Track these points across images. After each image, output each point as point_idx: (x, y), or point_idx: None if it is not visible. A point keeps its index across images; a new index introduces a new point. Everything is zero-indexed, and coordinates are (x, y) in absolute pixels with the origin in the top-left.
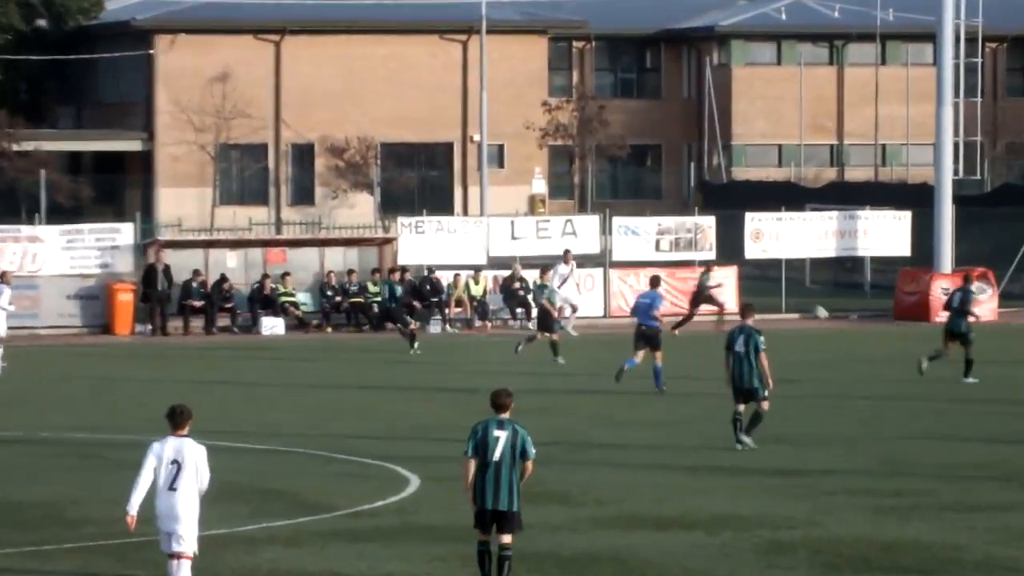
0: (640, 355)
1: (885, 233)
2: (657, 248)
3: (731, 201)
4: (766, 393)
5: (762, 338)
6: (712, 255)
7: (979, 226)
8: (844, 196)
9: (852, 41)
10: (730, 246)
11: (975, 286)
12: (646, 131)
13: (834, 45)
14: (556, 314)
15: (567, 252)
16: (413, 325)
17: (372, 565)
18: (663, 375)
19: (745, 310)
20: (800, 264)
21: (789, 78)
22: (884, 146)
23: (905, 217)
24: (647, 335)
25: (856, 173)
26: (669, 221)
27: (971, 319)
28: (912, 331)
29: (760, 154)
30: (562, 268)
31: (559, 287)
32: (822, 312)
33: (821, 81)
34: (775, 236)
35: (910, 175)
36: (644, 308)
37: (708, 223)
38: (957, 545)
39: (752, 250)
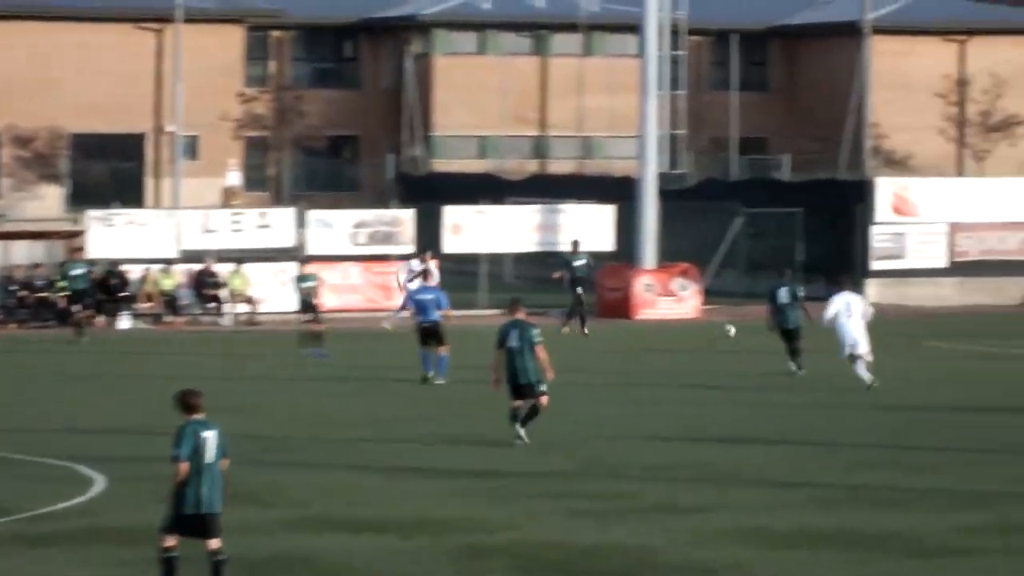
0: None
1: (588, 227)
2: (354, 242)
3: (431, 194)
4: (544, 388)
5: (536, 331)
6: (410, 249)
7: (683, 221)
8: (547, 189)
9: (556, 31)
10: (429, 240)
11: (677, 282)
12: (344, 122)
13: (538, 35)
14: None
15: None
16: (84, 315)
17: (51, 571)
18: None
19: (514, 305)
20: (501, 259)
21: (492, 68)
22: (588, 138)
23: (608, 211)
24: (431, 330)
25: (559, 166)
26: (367, 214)
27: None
28: (614, 328)
29: (461, 146)
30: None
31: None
32: (731, 330)
33: (524, 72)
34: (475, 230)
35: (613, 168)
36: (428, 304)
37: (407, 216)
38: (655, 548)
39: (452, 244)
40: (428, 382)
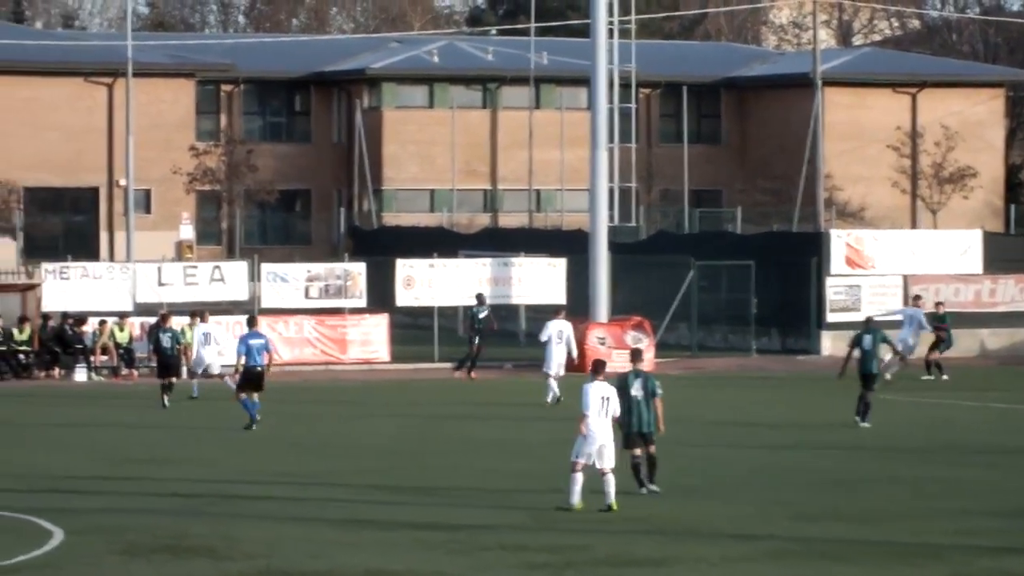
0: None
1: (539, 280)
2: (307, 295)
3: (382, 247)
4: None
5: (658, 383)
6: (363, 302)
7: (635, 274)
8: (498, 242)
9: (506, 84)
10: (381, 293)
11: (631, 336)
12: (296, 176)
13: (488, 88)
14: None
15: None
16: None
17: None
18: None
19: (635, 356)
20: (453, 312)
21: (442, 121)
22: (539, 191)
23: (560, 264)
24: (258, 375)
25: (510, 219)
26: (319, 268)
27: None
28: (567, 381)
29: (412, 199)
30: None
31: None
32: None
33: (474, 124)
34: (427, 283)
35: (565, 221)
36: (257, 348)
37: (358, 269)
38: None
39: (404, 297)
40: (251, 427)
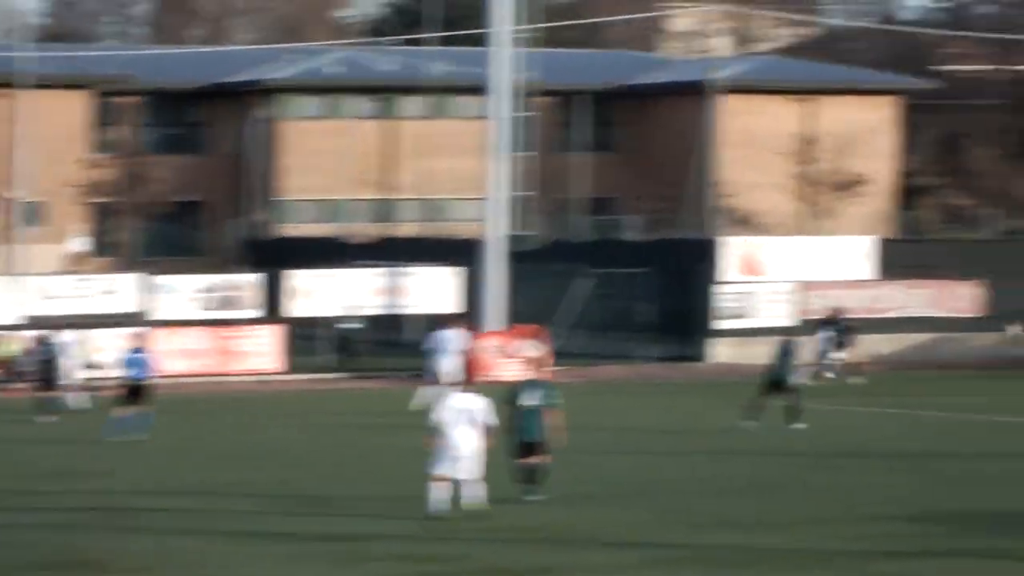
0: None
1: (434, 290)
2: (200, 306)
3: (278, 258)
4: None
5: (557, 392)
6: (257, 314)
7: (531, 283)
8: (393, 252)
9: (403, 94)
10: (275, 304)
11: (527, 345)
12: (191, 187)
13: (384, 98)
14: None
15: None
16: None
17: None
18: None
19: (532, 365)
20: (347, 322)
21: (338, 132)
22: (435, 200)
23: (455, 273)
24: (138, 390)
25: (406, 229)
26: (212, 279)
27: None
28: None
29: (308, 210)
30: None
31: None
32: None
33: (370, 135)
34: (321, 294)
35: (460, 230)
36: (140, 362)
37: (253, 281)
38: None
39: (297, 308)
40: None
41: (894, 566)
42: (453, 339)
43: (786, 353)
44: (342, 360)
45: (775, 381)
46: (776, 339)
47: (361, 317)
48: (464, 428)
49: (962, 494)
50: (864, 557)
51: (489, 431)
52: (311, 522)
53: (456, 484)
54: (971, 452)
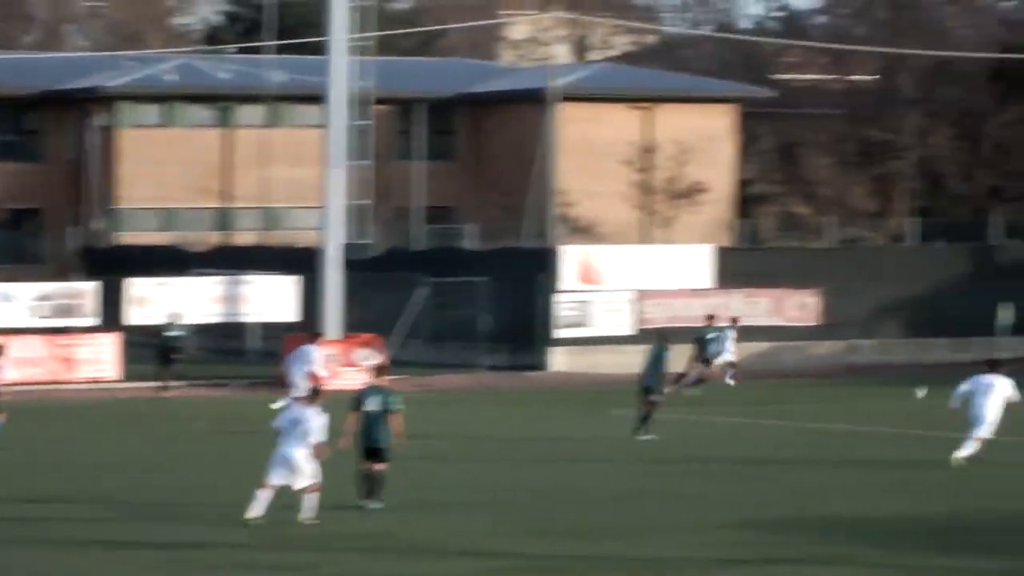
0: None
1: (271, 298)
2: (35, 315)
3: (115, 266)
4: (389, 455)
5: (399, 398)
6: (94, 321)
7: (368, 291)
8: (232, 260)
9: (241, 103)
10: (113, 312)
11: (361, 353)
12: (27, 195)
13: (223, 107)
14: None
15: None
16: None
17: None
18: None
19: (375, 371)
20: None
21: (176, 140)
22: (272, 209)
23: (292, 282)
24: None
25: (243, 237)
26: (48, 287)
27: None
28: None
29: (146, 218)
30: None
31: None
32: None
33: (209, 144)
34: (159, 302)
35: (297, 239)
36: None
37: (90, 288)
38: None
39: (136, 316)
40: None
41: (730, 573)
42: (310, 352)
43: (656, 361)
44: (160, 368)
45: (642, 388)
46: (647, 347)
47: (184, 325)
48: (297, 440)
49: (801, 502)
50: (701, 565)
51: (319, 448)
52: (153, 530)
53: (294, 494)
54: (809, 460)
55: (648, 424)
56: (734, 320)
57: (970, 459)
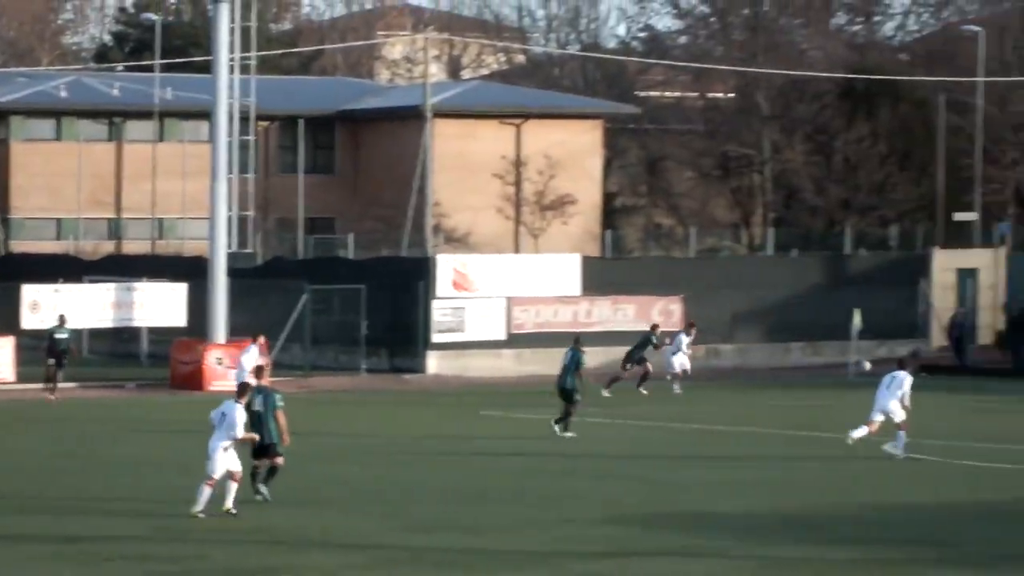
0: None
1: (161, 304)
2: None
3: (10, 273)
4: (281, 449)
5: (279, 396)
6: None
7: (252, 298)
8: (123, 268)
9: (131, 118)
10: (8, 318)
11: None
12: None
13: (113, 122)
14: None
15: None
16: None
17: None
18: None
19: (257, 373)
20: (77, 334)
21: (69, 153)
22: (161, 220)
23: (181, 289)
24: None
25: (134, 246)
26: None
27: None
28: (187, 399)
29: (39, 227)
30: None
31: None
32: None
33: (100, 157)
34: (53, 307)
35: (186, 248)
36: None
37: None
38: None
39: (30, 321)
40: None
41: (591, 566)
42: (249, 354)
43: (572, 362)
44: (48, 368)
45: (559, 389)
46: (566, 349)
47: (70, 328)
48: (221, 433)
49: (668, 498)
50: (569, 557)
51: (245, 437)
52: (47, 524)
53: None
54: (672, 457)
55: (567, 422)
56: (690, 325)
57: (861, 440)
